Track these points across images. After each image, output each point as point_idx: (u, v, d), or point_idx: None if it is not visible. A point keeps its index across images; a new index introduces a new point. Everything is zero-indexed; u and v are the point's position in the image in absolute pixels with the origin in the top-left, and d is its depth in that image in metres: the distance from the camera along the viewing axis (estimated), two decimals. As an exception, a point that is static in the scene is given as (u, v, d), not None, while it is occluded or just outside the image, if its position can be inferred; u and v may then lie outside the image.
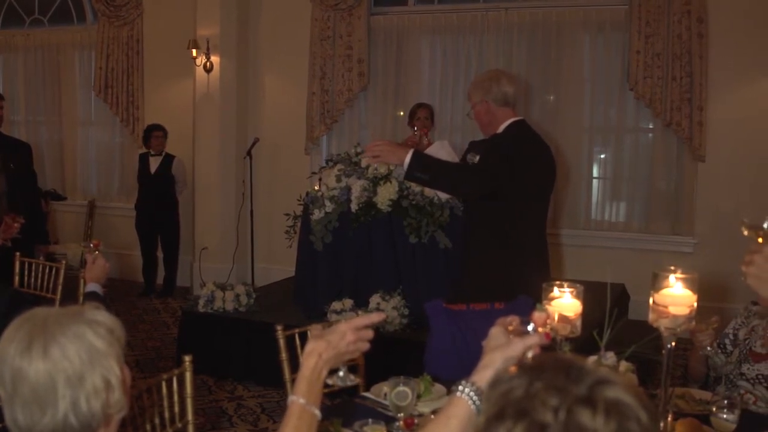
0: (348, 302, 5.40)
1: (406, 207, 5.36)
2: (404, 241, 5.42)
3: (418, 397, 2.58)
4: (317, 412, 1.74)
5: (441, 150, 4.79)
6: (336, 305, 5.39)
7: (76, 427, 1.51)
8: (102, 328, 1.57)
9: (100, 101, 9.41)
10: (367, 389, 2.90)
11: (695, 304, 1.95)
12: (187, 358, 2.76)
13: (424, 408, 2.59)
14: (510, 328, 1.61)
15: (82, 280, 3.39)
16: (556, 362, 1.09)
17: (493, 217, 3.81)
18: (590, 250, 7.36)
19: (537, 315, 1.68)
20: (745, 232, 1.80)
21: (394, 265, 5.50)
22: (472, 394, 1.47)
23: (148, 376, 2.75)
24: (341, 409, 2.79)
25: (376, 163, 4.95)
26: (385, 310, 5.24)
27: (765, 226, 1.77)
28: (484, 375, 1.50)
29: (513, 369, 1.14)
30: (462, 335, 3.29)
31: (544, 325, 1.68)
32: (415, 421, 2.41)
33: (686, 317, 1.94)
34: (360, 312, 5.25)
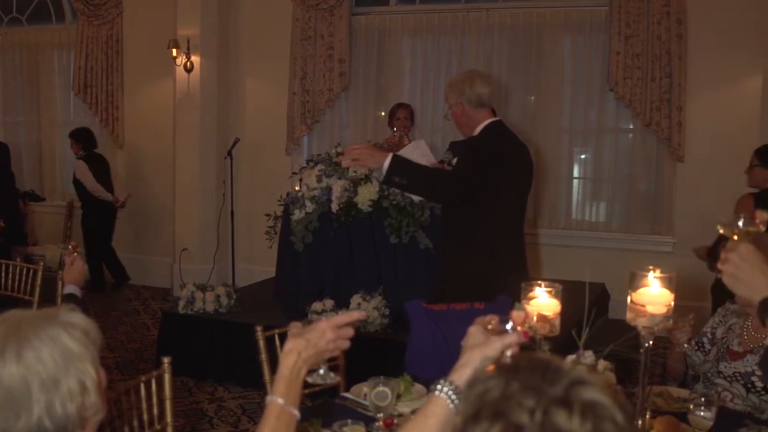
0: (329, 303, 5.39)
1: (387, 207, 5.36)
2: (385, 242, 5.41)
3: (398, 397, 2.58)
4: (296, 413, 1.73)
5: (416, 150, 4.79)
6: (317, 306, 5.38)
7: (51, 431, 1.49)
8: (77, 331, 1.55)
9: (79, 101, 9.35)
10: (348, 389, 2.89)
11: (672, 303, 1.96)
12: (166, 360, 2.74)
13: (404, 408, 2.59)
14: (489, 327, 1.61)
15: (60, 282, 3.37)
16: (533, 363, 1.09)
17: (471, 218, 3.83)
18: (571, 250, 7.39)
19: (515, 314, 1.68)
20: (721, 231, 1.82)
21: (374, 265, 5.50)
22: (450, 393, 1.47)
23: (128, 378, 2.73)
24: (321, 409, 2.78)
25: (354, 166, 4.95)
26: (366, 310, 5.23)
27: (740, 224, 1.78)
28: (462, 374, 1.50)
29: (490, 369, 1.14)
30: (442, 335, 3.29)
31: (523, 324, 1.68)
32: (395, 421, 2.40)
33: (663, 316, 1.95)
34: (341, 312, 5.24)
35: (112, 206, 8.65)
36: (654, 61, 7.08)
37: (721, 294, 4.82)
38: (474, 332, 1.58)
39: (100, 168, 8.58)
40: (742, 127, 6.97)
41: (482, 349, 1.52)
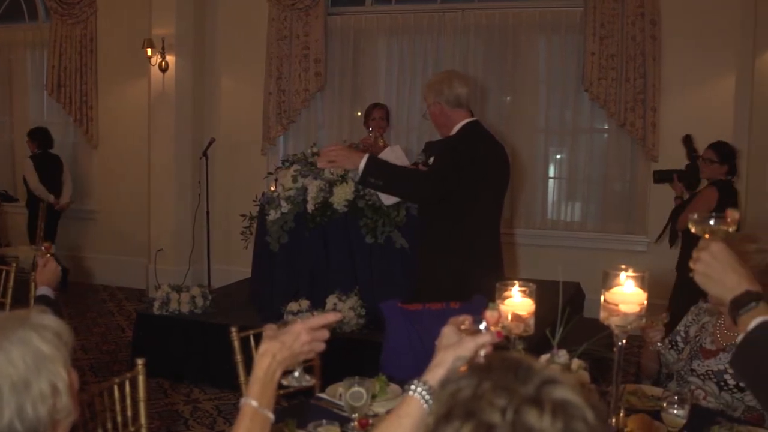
0: (304, 303, 5.38)
1: (363, 207, 5.36)
2: (360, 242, 5.41)
3: (373, 397, 2.58)
4: (270, 415, 1.73)
5: (391, 154, 4.80)
6: (292, 306, 5.37)
7: (22, 434, 1.48)
8: (48, 333, 1.54)
9: (52, 101, 9.26)
10: (323, 390, 2.89)
11: (645, 302, 1.98)
12: (140, 361, 2.72)
13: (379, 408, 2.58)
14: (462, 327, 1.61)
15: (33, 284, 3.34)
16: (505, 362, 1.09)
17: (447, 217, 3.83)
18: (546, 250, 7.43)
19: (489, 314, 1.69)
20: (693, 230, 1.83)
21: (350, 265, 5.50)
22: (424, 393, 1.47)
23: (102, 380, 2.71)
24: (296, 410, 2.77)
25: (331, 167, 4.95)
26: (342, 310, 5.23)
27: (712, 223, 1.79)
28: (435, 374, 1.50)
29: (463, 369, 1.14)
30: (418, 335, 3.30)
31: (497, 323, 1.69)
32: (370, 421, 2.40)
33: (636, 315, 1.97)
34: (316, 313, 5.23)
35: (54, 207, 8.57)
36: (628, 61, 7.13)
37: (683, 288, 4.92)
38: (447, 332, 1.58)
39: (51, 168, 8.54)
40: (715, 127, 7.02)
41: (455, 349, 1.53)
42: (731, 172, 5.61)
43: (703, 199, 5.49)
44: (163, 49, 8.09)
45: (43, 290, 3.11)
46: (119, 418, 2.67)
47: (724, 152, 5.62)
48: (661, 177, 6.00)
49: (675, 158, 7.05)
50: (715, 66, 7.06)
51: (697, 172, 5.77)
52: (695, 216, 1.81)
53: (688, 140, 5.97)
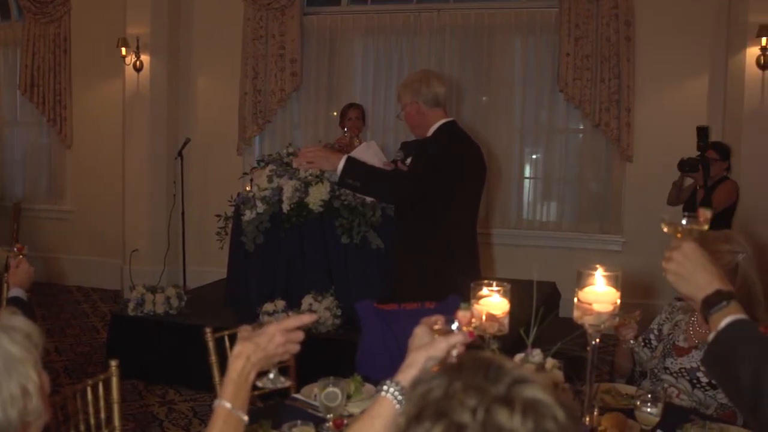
0: (280, 303, 5.36)
1: (338, 207, 5.36)
2: (336, 242, 5.41)
3: (348, 397, 2.57)
4: (244, 417, 1.72)
5: (368, 151, 4.80)
6: (268, 306, 5.35)
7: (-9, 436, 1.46)
8: (18, 334, 1.52)
9: (26, 100, 9.15)
10: (299, 390, 2.88)
11: (618, 302, 1.99)
12: (114, 363, 2.70)
13: (354, 408, 2.58)
14: (435, 327, 1.61)
15: (5, 285, 3.31)
16: (476, 362, 1.09)
17: (423, 217, 3.84)
18: (522, 250, 7.46)
19: (461, 313, 1.69)
20: (665, 229, 1.84)
21: (326, 265, 5.50)
22: (396, 393, 1.48)
23: (77, 382, 2.69)
24: (272, 410, 2.77)
25: (308, 169, 4.95)
26: (318, 310, 5.23)
27: (683, 222, 1.80)
28: (407, 374, 1.50)
29: (435, 369, 1.14)
30: (393, 335, 3.29)
31: (469, 323, 1.69)
32: (345, 421, 2.40)
33: (610, 314, 1.97)
34: (292, 313, 5.22)
35: None
36: (603, 62, 7.18)
37: None
38: (420, 333, 1.58)
39: None
40: (689, 127, 7.04)
41: (427, 349, 1.53)
42: (729, 169, 6.17)
43: (725, 189, 6.05)
44: (137, 48, 8.04)
45: (16, 292, 3.08)
46: (93, 421, 2.66)
47: (725, 151, 6.19)
48: (689, 167, 6.07)
49: (650, 158, 7.13)
50: (688, 66, 7.12)
51: (707, 166, 6.02)
52: (667, 216, 1.82)
53: (704, 132, 6.06)
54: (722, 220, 5.89)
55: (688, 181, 6.32)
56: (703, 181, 6.03)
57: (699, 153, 6.05)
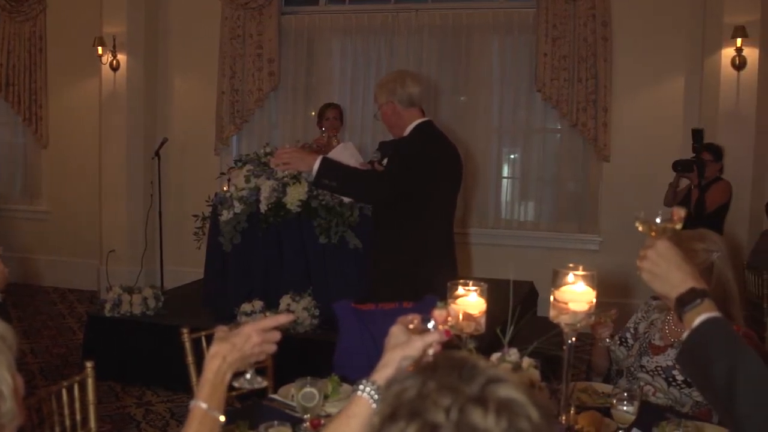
0: (258, 304, 5.35)
1: (316, 207, 5.34)
2: (314, 242, 5.40)
3: (326, 397, 2.57)
4: (220, 417, 1.71)
5: (345, 152, 4.80)
6: (246, 307, 5.34)
7: (-36, 438, 1.45)
8: (-9, 336, 1.51)
9: (0, 100, 9.07)
10: (276, 391, 2.87)
11: (594, 301, 2.00)
12: (89, 364, 2.69)
13: (331, 408, 2.58)
14: (411, 326, 1.61)
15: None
16: (450, 361, 1.09)
17: (400, 217, 3.86)
18: (500, 249, 7.47)
19: (437, 312, 1.69)
20: (640, 228, 1.84)
21: (304, 265, 5.48)
22: (372, 393, 1.48)
23: (53, 384, 2.66)
24: (249, 411, 2.76)
25: (284, 170, 4.96)
26: (296, 311, 5.22)
27: (657, 221, 1.81)
28: (383, 374, 1.50)
29: (410, 368, 1.14)
30: (370, 335, 3.29)
31: (445, 322, 1.69)
32: (322, 421, 2.39)
33: (585, 313, 1.99)
34: (269, 313, 5.20)
35: None
36: (580, 62, 7.21)
37: None
38: (396, 332, 1.58)
39: None
40: (665, 126, 7.17)
41: (403, 348, 1.53)
42: (722, 170, 6.37)
43: (719, 189, 6.23)
44: (114, 47, 8.00)
45: (-10, 293, 3.05)
46: (68, 422, 2.64)
47: (718, 152, 6.32)
48: (683, 167, 6.29)
49: (627, 157, 7.19)
50: (664, 67, 7.18)
51: (701, 166, 6.22)
52: (641, 214, 1.83)
53: (699, 134, 6.35)
54: (716, 218, 6.10)
55: (684, 182, 6.42)
56: (697, 181, 6.20)
57: (694, 154, 6.25)
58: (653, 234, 1.81)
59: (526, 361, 2.19)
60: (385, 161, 4.18)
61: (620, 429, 2.41)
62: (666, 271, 1.76)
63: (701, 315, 1.69)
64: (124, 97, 8.14)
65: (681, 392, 2.83)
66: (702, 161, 6.20)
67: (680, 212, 1.81)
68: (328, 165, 3.76)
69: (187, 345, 3.17)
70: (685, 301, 1.72)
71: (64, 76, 8.75)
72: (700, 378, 1.71)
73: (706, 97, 6.97)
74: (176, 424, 4.95)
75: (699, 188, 6.21)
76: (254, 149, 6.62)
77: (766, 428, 1.56)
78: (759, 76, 6.70)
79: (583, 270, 2.00)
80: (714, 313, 1.69)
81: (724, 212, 6.26)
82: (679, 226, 1.82)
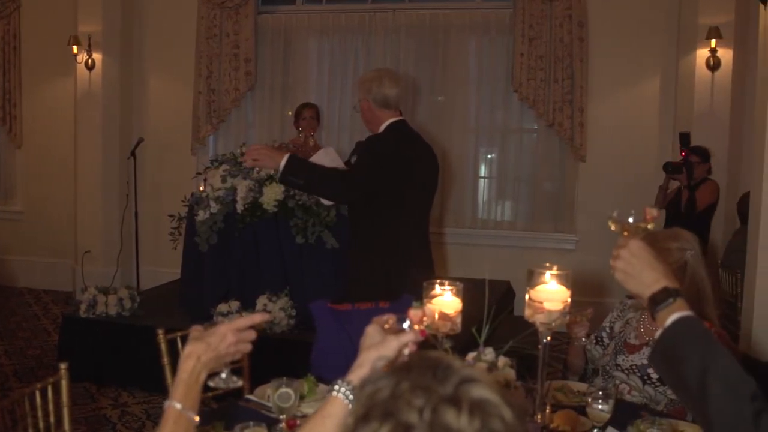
0: (234, 304, 5.33)
1: (293, 207, 5.33)
2: (291, 242, 5.39)
3: (302, 398, 2.57)
4: (194, 417, 1.70)
5: (325, 157, 4.79)
6: (222, 307, 5.31)
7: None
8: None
9: (-26, 99, 8.99)
10: (252, 391, 2.87)
11: (569, 300, 2.01)
12: (63, 366, 2.67)
13: (308, 409, 2.57)
14: (386, 326, 1.61)
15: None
16: (424, 361, 1.09)
17: (373, 217, 3.86)
18: (476, 249, 7.50)
19: (413, 312, 1.69)
20: (613, 227, 1.85)
21: (280, 265, 5.47)
22: (347, 393, 1.48)
23: (27, 386, 2.64)
24: (225, 411, 2.75)
25: (254, 167, 4.95)
26: (273, 311, 5.20)
27: (630, 220, 1.82)
28: (358, 374, 1.50)
29: (385, 368, 1.14)
30: (347, 335, 3.29)
31: (420, 322, 1.69)
32: (298, 422, 2.39)
33: (560, 312, 2.00)
34: (246, 314, 5.17)
35: None
36: (556, 62, 7.25)
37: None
38: (371, 332, 1.58)
39: None
40: (641, 127, 7.22)
41: (378, 348, 1.53)
42: (710, 170, 6.53)
43: (708, 189, 6.39)
44: (89, 46, 7.94)
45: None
46: (42, 424, 2.61)
47: (705, 153, 6.46)
48: (674, 169, 6.41)
49: (603, 157, 7.23)
50: (640, 67, 7.23)
51: (690, 168, 6.34)
52: (615, 214, 1.84)
53: (686, 138, 6.39)
54: (706, 217, 6.34)
55: (674, 184, 6.55)
56: (687, 182, 6.33)
57: (682, 157, 6.36)
58: (626, 233, 1.82)
59: (502, 361, 2.20)
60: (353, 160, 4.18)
61: (596, 427, 2.42)
62: (639, 271, 1.77)
63: (674, 314, 1.70)
64: (99, 97, 8.08)
65: (656, 390, 2.85)
66: (690, 163, 6.31)
67: (653, 212, 1.82)
68: (294, 162, 3.77)
69: (163, 346, 3.15)
70: (658, 300, 1.73)
71: (39, 75, 8.68)
72: (672, 376, 1.72)
73: (681, 97, 7.04)
74: (152, 425, 4.93)
75: (688, 189, 6.33)
76: (231, 149, 6.60)
77: (738, 426, 1.57)
78: (733, 77, 6.77)
79: (558, 269, 2.01)
80: (686, 312, 1.71)
81: (712, 211, 6.41)
82: (650, 226, 1.83)
